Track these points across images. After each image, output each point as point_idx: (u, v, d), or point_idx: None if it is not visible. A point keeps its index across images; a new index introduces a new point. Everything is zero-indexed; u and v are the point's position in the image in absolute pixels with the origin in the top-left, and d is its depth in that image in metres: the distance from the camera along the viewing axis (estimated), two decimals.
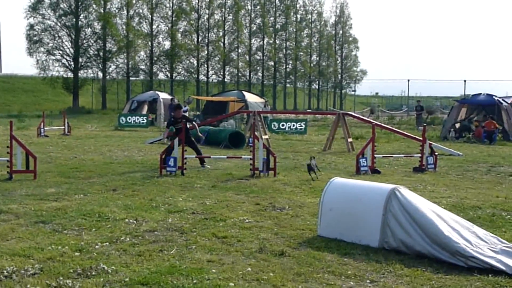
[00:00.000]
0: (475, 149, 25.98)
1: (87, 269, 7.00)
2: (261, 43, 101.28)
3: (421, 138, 18.52)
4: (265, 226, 9.64)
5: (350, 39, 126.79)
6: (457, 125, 32.91)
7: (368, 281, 6.93)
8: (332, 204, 8.84)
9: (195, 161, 18.00)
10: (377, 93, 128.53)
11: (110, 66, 74.35)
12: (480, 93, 34.68)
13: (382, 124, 27.51)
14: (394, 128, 26.57)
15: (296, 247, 8.32)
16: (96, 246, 8.12)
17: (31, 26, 68.37)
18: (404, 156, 20.97)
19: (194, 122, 16.72)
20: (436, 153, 18.52)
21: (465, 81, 62.25)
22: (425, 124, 21.81)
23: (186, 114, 40.38)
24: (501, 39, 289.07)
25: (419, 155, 18.07)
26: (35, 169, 14.69)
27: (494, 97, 33.37)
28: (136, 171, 16.32)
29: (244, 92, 45.55)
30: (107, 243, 8.29)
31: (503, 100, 33.08)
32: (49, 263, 7.30)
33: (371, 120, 27.96)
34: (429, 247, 7.73)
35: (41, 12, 68.71)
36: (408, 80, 66.52)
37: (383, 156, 19.91)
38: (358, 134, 31.08)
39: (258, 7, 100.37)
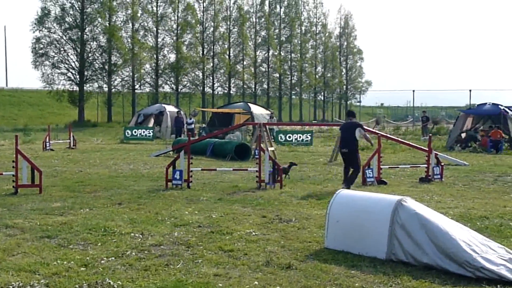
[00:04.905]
0: (481, 158, 25.86)
1: (93, 284, 6.98)
2: (266, 55, 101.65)
3: (427, 149, 18.46)
4: (272, 238, 9.60)
5: (355, 50, 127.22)
6: (463, 135, 32.82)
7: None
8: (338, 216, 8.80)
9: (201, 173, 17.99)
10: (382, 104, 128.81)
11: (116, 79, 74.62)
12: (486, 103, 34.38)
13: (388, 135, 27.40)
14: (399, 139, 26.44)
15: (303, 260, 8.27)
16: (102, 261, 8.09)
17: (37, 40, 68.73)
18: (410, 166, 20.93)
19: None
20: (442, 163, 18.46)
21: (470, 90, 62.38)
22: (430, 135, 21.73)
23: (192, 126, 40.56)
24: (507, 49, 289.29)
25: (425, 165, 18.03)
26: (41, 183, 14.66)
27: (499, 106, 33.13)
28: (142, 185, 16.27)
29: (250, 104, 45.55)
30: (113, 258, 8.26)
31: (508, 109, 32.89)
32: (54, 278, 7.28)
33: (377, 131, 27.89)
34: (437, 258, 7.67)
35: (47, 25, 69.06)
36: (413, 91, 66.61)
37: (389, 167, 19.88)
38: (364, 145, 31.02)
39: (263, 19, 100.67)
